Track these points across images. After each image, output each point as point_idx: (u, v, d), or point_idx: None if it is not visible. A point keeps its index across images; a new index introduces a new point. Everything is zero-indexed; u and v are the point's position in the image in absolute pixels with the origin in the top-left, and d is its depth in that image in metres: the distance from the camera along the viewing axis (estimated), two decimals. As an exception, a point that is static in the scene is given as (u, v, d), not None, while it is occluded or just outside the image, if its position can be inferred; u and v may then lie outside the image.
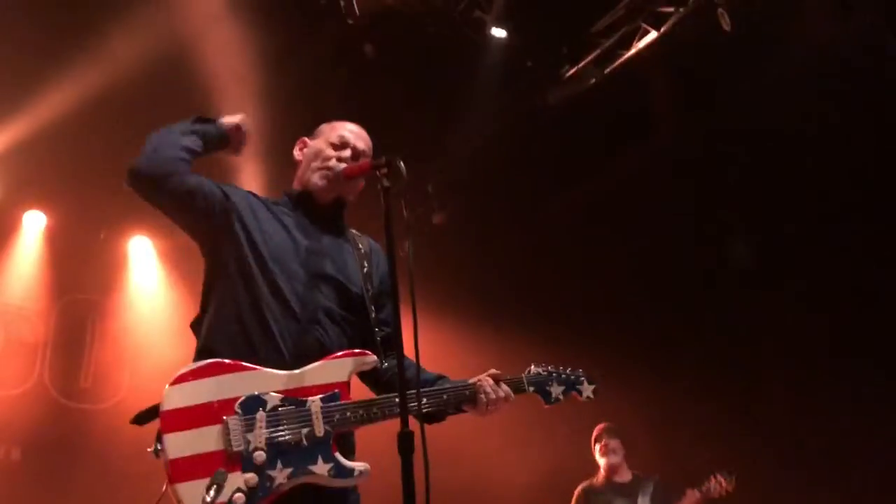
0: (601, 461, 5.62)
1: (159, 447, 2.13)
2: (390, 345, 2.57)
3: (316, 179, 2.60)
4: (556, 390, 2.64)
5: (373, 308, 2.53)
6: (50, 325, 7.72)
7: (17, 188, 7.34)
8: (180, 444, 2.12)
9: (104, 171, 7.05)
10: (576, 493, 5.64)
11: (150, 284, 8.15)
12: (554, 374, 2.66)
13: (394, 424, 2.09)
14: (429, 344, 2.53)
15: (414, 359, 2.16)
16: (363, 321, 2.51)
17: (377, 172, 2.31)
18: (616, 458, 5.56)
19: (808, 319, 5.63)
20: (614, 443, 5.60)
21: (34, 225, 7.70)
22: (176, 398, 2.17)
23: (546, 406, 2.64)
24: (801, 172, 5.66)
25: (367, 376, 2.52)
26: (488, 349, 7.06)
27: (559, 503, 6.31)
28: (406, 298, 2.15)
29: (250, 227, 2.44)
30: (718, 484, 5.14)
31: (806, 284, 5.65)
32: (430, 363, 2.54)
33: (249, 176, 6.70)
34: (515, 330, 7.05)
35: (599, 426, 5.61)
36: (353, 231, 2.72)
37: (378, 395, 2.44)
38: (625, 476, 5.59)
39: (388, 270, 2.20)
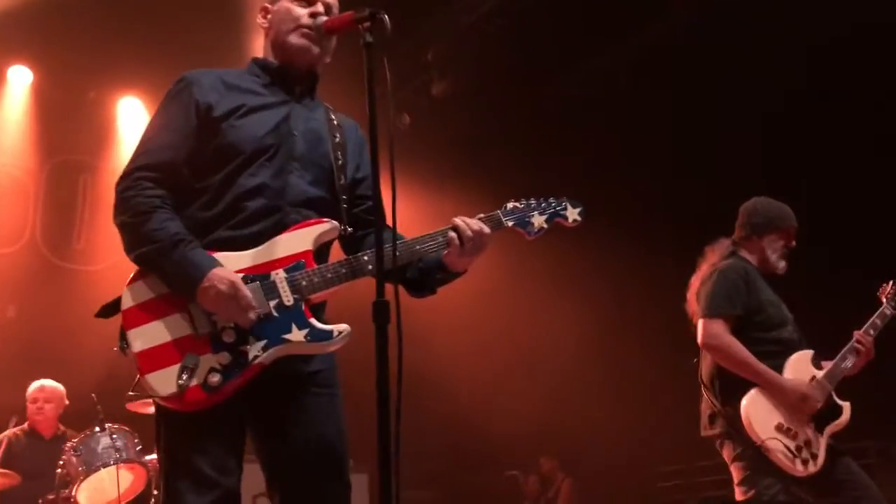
0: None
1: (124, 345, 2.11)
2: (365, 223, 2.44)
3: (294, 39, 2.39)
4: (538, 220, 2.45)
5: (345, 182, 2.39)
6: (40, 184, 7.67)
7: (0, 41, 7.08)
8: (144, 336, 2.09)
9: (91, 27, 6.79)
10: None
11: (141, 146, 8.02)
12: (533, 204, 2.47)
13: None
14: (429, 223, 2.43)
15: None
16: (336, 198, 2.37)
17: (359, 27, 2.12)
18: None
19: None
20: None
21: (19, 80, 7.48)
22: (135, 294, 2.14)
23: (529, 238, 2.45)
24: (853, 48, 5.28)
25: (346, 246, 2.41)
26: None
27: (537, 381, 6.43)
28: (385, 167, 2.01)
29: (223, 121, 2.28)
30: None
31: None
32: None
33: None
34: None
35: None
36: (328, 105, 2.54)
37: None
38: None
39: (370, 137, 2.04)
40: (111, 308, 2.17)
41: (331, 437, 2.24)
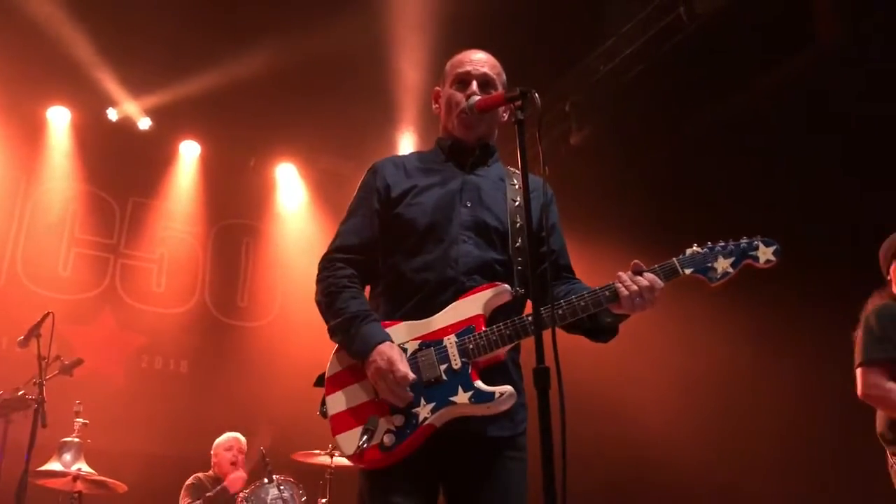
0: None
1: (324, 409, 2.36)
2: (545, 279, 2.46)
3: (457, 125, 2.59)
4: (723, 264, 2.29)
5: (521, 244, 2.47)
6: (208, 247, 8.26)
7: (172, 119, 7.79)
8: (337, 401, 2.35)
9: (250, 103, 7.36)
10: None
11: (297, 209, 8.53)
12: (718, 248, 2.32)
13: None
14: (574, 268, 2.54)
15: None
16: (511, 260, 2.46)
17: (511, 105, 2.26)
18: None
19: None
20: None
21: (189, 154, 8.18)
22: (333, 366, 2.41)
23: (712, 286, 2.29)
24: None
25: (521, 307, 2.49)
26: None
27: (702, 416, 6.20)
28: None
29: (399, 203, 2.51)
30: None
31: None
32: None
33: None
34: (660, 251, 6.78)
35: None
36: (511, 168, 2.65)
37: None
38: None
39: (525, 208, 2.17)
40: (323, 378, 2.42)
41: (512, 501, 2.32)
